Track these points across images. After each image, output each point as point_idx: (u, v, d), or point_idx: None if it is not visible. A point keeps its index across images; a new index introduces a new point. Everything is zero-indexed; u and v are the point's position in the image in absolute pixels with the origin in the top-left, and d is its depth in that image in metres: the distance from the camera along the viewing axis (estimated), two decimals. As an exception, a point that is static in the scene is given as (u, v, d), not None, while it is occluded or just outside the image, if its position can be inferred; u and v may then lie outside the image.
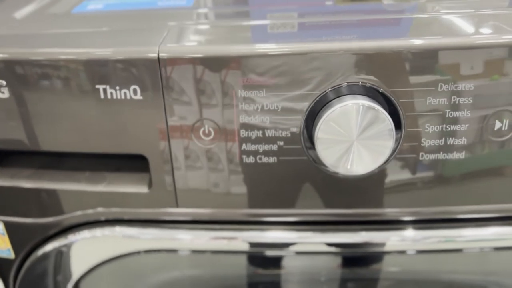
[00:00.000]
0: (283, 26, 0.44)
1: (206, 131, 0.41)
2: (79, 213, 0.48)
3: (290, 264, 0.54)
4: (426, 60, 0.38)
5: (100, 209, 0.47)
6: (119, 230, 0.49)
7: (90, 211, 0.48)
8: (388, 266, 0.55)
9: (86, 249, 0.50)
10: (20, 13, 0.52)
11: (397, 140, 0.40)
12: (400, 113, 0.39)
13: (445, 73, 0.38)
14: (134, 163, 0.45)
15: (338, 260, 0.54)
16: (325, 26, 0.44)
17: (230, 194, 0.44)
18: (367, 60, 0.38)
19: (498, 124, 0.40)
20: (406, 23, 0.45)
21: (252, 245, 0.48)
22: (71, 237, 0.50)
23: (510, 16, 0.43)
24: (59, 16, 0.51)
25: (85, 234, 0.49)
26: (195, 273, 0.55)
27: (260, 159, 0.42)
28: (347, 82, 0.39)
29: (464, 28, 0.41)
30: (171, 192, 0.44)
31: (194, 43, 0.41)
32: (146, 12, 0.51)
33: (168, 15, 0.49)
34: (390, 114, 0.39)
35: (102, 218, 0.49)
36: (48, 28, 0.47)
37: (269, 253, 0.51)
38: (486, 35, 0.39)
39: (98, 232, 0.49)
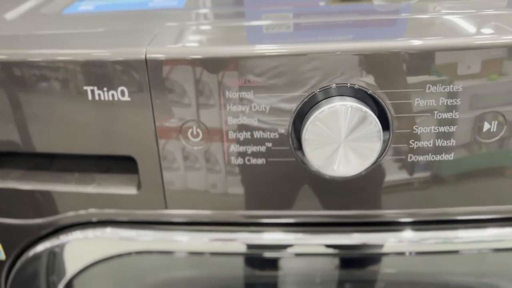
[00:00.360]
0: (278, 26, 0.44)
1: (194, 133, 0.41)
2: (71, 214, 0.48)
3: (283, 266, 0.54)
4: (414, 61, 0.38)
5: (92, 210, 0.47)
6: (109, 231, 0.49)
7: (82, 212, 0.48)
8: (384, 268, 0.55)
9: (77, 250, 0.50)
10: (11, 14, 0.52)
11: (385, 142, 0.40)
12: (389, 115, 0.39)
13: (434, 74, 0.38)
14: (123, 164, 0.45)
15: (332, 262, 0.53)
16: (319, 27, 0.44)
17: (219, 196, 0.44)
18: (359, 61, 0.38)
19: (486, 126, 0.40)
20: (401, 23, 0.44)
21: (244, 247, 0.48)
22: (63, 238, 0.50)
23: (503, 16, 0.42)
24: (50, 17, 0.51)
25: (77, 235, 0.49)
26: (187, 274, 0.55)
27: (249, 160, 0.42)
28: (336, 84, 0.39)
29: (456, 29, 0.41)
30: (160, 194, 0.44)
31: (182, 44, 0.41)
32: (136, 13, 0.51)
33: (159, 16, 0.49)
34: (378, 115, 0.39)
35: (94, 219, 0.49)
36: (37, 29, 0.47)
37: (261, 255, 0.51)
38: (475, 36, 0.39)
39: (90, 233, 0.49)
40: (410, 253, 0.48)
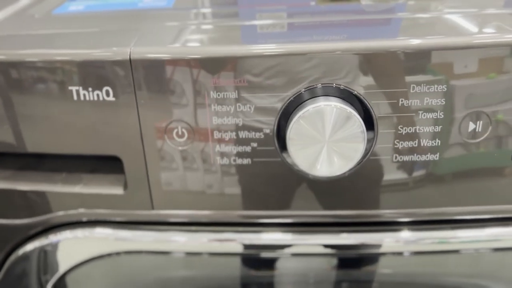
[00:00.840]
0: (272, 26, 0.44)
1: (180, 133, 0.41)
2: (61, 213, 0.48)
3: (275, 266, 0.54)
4: (399, 61, 0.38)
5: (82, 210, 0.47)
6: (98, 231, 0.49)
7: (72, 211, 0.48)
8: (378, 268, 0.54)
9: (67, 250, 0.50)
10: (1, 14, 0.52)
11: (370, 142, 0.40)
12: (373, 115, 0.39)
13: (419, 74, 0.38)
14: (110, 165, 0.45)
15: (325, 262, 0.53)
16: (312, 27, 0.44)
17: (206, 196, 0.44)
18: (345, 61, 0.38)
19: (471, 126, 0.39)
20: (395, 23, 0.44)
21: (237, 247, 0.48)
22: (52, 237, 0.50)
23: (493, 16, 0.42)
24: (38, 17, 0.51)
25: (66, 234, 0.49)
26: (176, 274, 0.55)
27: (235, 160, 0.42)
28: (322, 84, 0.39)
29: (444, 29, 0.41)
30: (146, 194, 0.44)
31: (166, 44, 0.41)
32: (125, 13, 0.51)
33: (147, 16, 0.49)
34: (364, 116, 0.39)
35: (84, 219, 0.49)
36: (24, 29, 0.47)
37: (251, 255, 0.51)
38: (460, 36, 0.38)
39: (79, 233, 0.49)
40: (401, 253, 0.48)
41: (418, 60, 0.37)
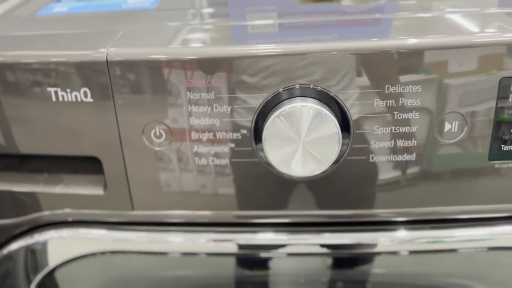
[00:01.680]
0: (263, 27, 0.44)
1: (157, 133, 0.41)
2: (47, 213, 0.48)
3: (264, 266, 0.54)
4: (373, 61, 0.38)
5: (67, 210, 0.48)
6: (82, 231, 0.49)
7: (58, 211, 0.48)
8: (367, 268, 0.55)
9: (52, 249, 0.50)
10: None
11: (346, 143, 0.40)
12: (349, 116, 0.39)
13: (393, 75, 0.38)
14: (91, 165, 0.45)
15: (314, 262, 0.53)
16: (300, 27, 0.44)
17: (184, 196, 0.44)
18: (323, 61, 0.38)
19: (447, 126, 0.40)
20: (385, 23, 0.44)
21: (235, 247, 0.48)
22: (38, 237, 0.50)
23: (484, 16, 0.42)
24: (22, 18, 0.52)
25: (51, 234, 0.50)
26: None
27: (213, 161, 0.42)
28: (299, 84, 0.39)
29: (428, 29, 0.41)
30: (126, 195, 0.44)
31: (144, 45, 0.41)
32: (108, 14, 0.51)
33: (129, 17, 0.49)
34: (340, 117, 0.39)
35: (70, 219, 0.49)
36: (7, 30, 0.48)
37: (233, 256, 0.51)
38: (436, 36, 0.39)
39: (64, 232, 0.49)
40: (391, 252, 0.49)
41: (395, 60, 0.38)
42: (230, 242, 0.48)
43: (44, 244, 0.50)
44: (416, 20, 0.44)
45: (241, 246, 0.48)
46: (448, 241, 0.46)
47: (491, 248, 0.48)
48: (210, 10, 0.53)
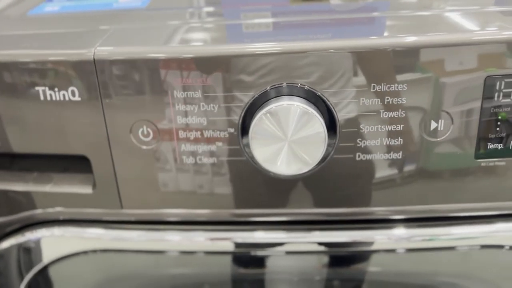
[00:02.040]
0: (257, 26, 0.44)
1: (145, 132, 0.42)
2: (39, 211, 0.48)
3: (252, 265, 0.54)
4: (359, 60, 0.38)
5: (59, 209, 0.48)
6: (74, 230, 0.49)
7: (50, 210, 0.48)
8: (364, 266, 0.55)
9: (45, 247, 0.51)
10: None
11: (332, 142, 0.40)
12: (335, 115, 0.39)
13: (379, 73, 0.38)
14: (81, 164, 0.46)
15: (308, 260, 0.54)
16: (296, 26, 0.44)
17: (172, 195, 0.44)
18: (308, 60, 0.38)
19: (433, 124, 0.40)
20: (379, 22, 0.44)
21: (231, 245, 0.48)
22: (29, 235, 0.50)
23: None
24: (13, 18, 0.52)
25: (43, 232, 0.50)
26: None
27: (200, 159, 0.42)
28: (287, 83, 0.39)
29: (415, 27, 0.41)
30: (115, 193, 0.44)
31: (131, 44, 0.41)
32: (98, 14, 0.51)
33: (119, 16, 0.50)
34: (326, 116, 0.39)
35: (61, 217, 0.49)
36: (-4, 30, 0.48)
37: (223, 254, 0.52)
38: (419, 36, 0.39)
39: (55, 231, 0.50)
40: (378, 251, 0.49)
41: (381, 59, 0.38)
42: (226, 240, 0.48)
43: (37, 242, 0.50)
44: (406, 19, 0.44)
45: (237, 245, 0.48)
46: (444, 238, 0.46)
47: (484, 247, 0.48)
48: (199, 10, 0.53)
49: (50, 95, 0.41)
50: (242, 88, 0.39)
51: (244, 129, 0.40)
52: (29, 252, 0.51)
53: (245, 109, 0.40)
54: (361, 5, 0.49)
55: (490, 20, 0.41)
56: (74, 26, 0.47)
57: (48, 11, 0.53)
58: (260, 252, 0.51)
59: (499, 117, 0.39)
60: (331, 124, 0.40)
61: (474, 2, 0.46)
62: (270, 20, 0.46)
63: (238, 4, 0.53)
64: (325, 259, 0.53)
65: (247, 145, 0.40)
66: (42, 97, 0.41)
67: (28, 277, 0.52)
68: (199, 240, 0.48)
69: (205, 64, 0.39)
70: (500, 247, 0.48)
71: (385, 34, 0.40)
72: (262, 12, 0.49)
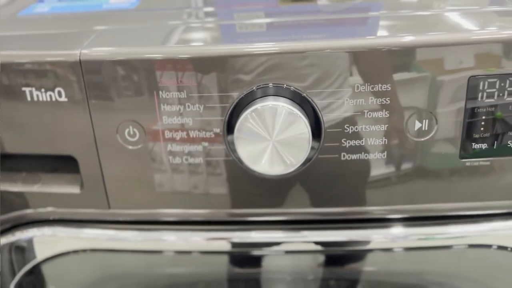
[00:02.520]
0: (251, 26, 0.44)
1: (131, 132, 0.42)
2: (30, 211, 0.49)
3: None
4: (343, 60, 0.38)
5: (50, 208, 0.48)
6: (62, 229, 0.50)
7: (41, 210, 0.48)
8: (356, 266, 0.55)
9: (36, 247, 0.51)
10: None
11: (317, 143, 0.40)
12: (321, 116, 0.40)
13: (363, 74, 0.38)
14: (69, 164, 0.46)
15: (294, 260, 0.54)
16: (288, 26, 0.44)
17: (159, 195, 0.44)
18: (292, 60, 0.38)
19: (418, 125, 0.40)
20: (369, 22, 0.44)
21: (226, 245, 0.49)
22: (19, 234, 0.50)
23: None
24: (2, 19, 0.52)
25: (34, 232, 0.50)
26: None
27: (186, 159, 0.42)
28: (273, 83, 0.39)
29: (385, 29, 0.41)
30: (102, 193, 0.45)
31: (117, 45, 0.41)
32: (88, 15, 0.51)
33: (108, 17, 0.50)
34: (312, 117, 0.39)
35: (52, 217, 0.49)
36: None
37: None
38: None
39: (45, 230, 0.50)
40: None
41: (366, 60, 0.38)
42: (223, 240, 0.48)
43: (28, 242, 0.51)
44: (397, 19, 0.44)
45: (234, 244, 0.49)
46: (439, 238, 0.46)
47: (471, 246, 0.48)
48: (188, 10, 0.53)
49: (37, 95, 0.41)
50: (228, 88, 0.39)
51: (230, 128, 0.40)
52: (20, 251, 0.51)
53: (231, 108, 0.40)
54: (350, 5, 0.50)
55: (479, 20, 0.41)
56: (63, 27, 0.48)
57: (38, 12, 0.54)
58: (255, 252, 0.51)
59: (483, 117, 0.39)
60: (316, 125, 0.40)
61: (466, 2, 0.47)
62: (263, 20, 0.46)
63: (228, 5, 0.53)
64: (317, 258, 0.53)
65: (232, 145, 0.40)
66: (29, 98, 0.41)
67: (19, 275, 0.52)
68: (195, 240, 0.48)
69: (190, 65, 0.39)
70: (489, 246, 0.48)
71: (369, 34, 0.40)
72: (254, 12, 0.49)
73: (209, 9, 0.53)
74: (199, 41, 0.43)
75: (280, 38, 0.40)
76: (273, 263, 0.54)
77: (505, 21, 0.41)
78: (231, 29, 0.45)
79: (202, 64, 0.39)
